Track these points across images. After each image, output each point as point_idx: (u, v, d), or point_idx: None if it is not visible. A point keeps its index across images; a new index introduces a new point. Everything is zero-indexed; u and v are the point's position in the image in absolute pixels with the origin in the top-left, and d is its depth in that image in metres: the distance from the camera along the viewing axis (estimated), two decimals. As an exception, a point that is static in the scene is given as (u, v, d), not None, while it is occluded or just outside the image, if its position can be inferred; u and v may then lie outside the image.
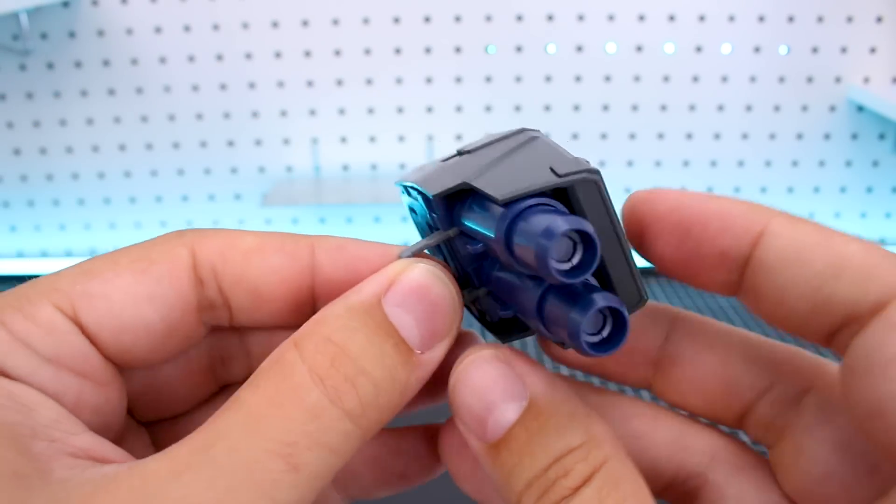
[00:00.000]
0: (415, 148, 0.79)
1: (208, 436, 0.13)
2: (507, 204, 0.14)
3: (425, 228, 0.18)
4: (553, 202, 0.15)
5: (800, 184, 0.80)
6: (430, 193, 0.16)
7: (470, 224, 0.16)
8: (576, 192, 0.15)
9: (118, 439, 0.16)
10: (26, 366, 0.14)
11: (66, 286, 0.15)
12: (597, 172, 0.15)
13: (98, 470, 0.13)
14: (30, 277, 0.16)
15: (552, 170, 0.15)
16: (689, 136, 0.79)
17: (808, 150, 0.79)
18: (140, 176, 0.80)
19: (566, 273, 0.14)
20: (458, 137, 0.78)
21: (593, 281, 0.16)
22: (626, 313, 0.14)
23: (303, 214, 0.82)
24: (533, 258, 0.13)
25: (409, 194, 0.18)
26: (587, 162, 0.15)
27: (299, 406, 0.14)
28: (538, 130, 0.17)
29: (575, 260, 0.14)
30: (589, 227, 0.13)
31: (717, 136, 0.79)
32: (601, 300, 0.14)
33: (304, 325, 0.15)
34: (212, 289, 0.16)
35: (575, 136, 0.79)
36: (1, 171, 0.80)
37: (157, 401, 0.18)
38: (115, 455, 0.14)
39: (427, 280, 0.15)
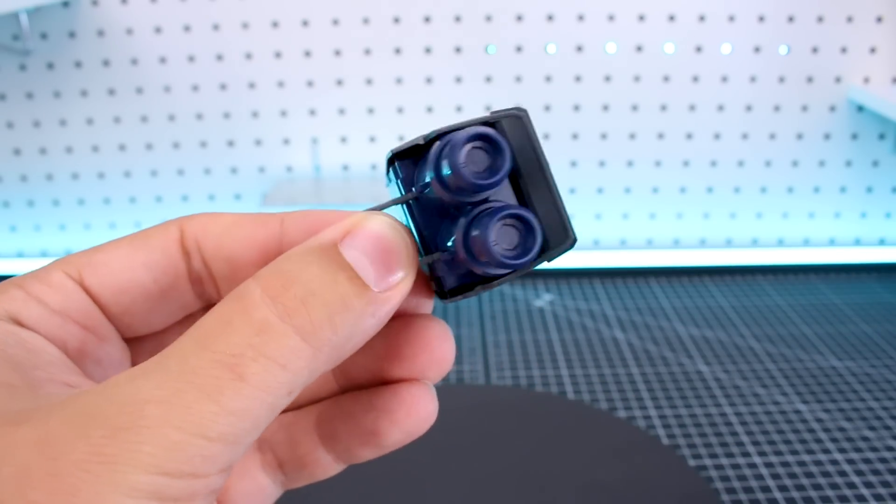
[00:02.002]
0: (415, 148, 0.79)
1: (165, 351, 0.15)
2: (437, 141, 0.16)
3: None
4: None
5: (800, 184, 0.80)
6: (388, 153, 0.17)
7: (420, 178, 0.17)
8: (503, 126, 0.16)
9: None
10: (38, 316, 0.17)
11: (75, 259, 0.18)
12: (524, 111, 0.16)
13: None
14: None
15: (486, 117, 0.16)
16: (689, 136, 0.79)
17: (808, 150, 0.79)
18: (140, 176, 0.80)
19: (478, 175, 0.15)
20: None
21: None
22: (531, 219, 0.16)
23: (303, 214, 0.82)
24: (452, 173, 0.15)
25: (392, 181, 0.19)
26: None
27: (247, 321, 0.15)
28: (525, 112, 0.17)
29: (485, 164, 0.15)
30: (487, 130, 0.15)
31: (717, 136, 0.79)
32: (507, 209, 0.15)
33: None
34: (197, 260, 0.19)
35: (575, 136, 0.79)
36: (1, 171, 0.80)
37: None
38: None
39: (381, 227, 0.16)
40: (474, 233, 0.16)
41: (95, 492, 0.13)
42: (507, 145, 0.15)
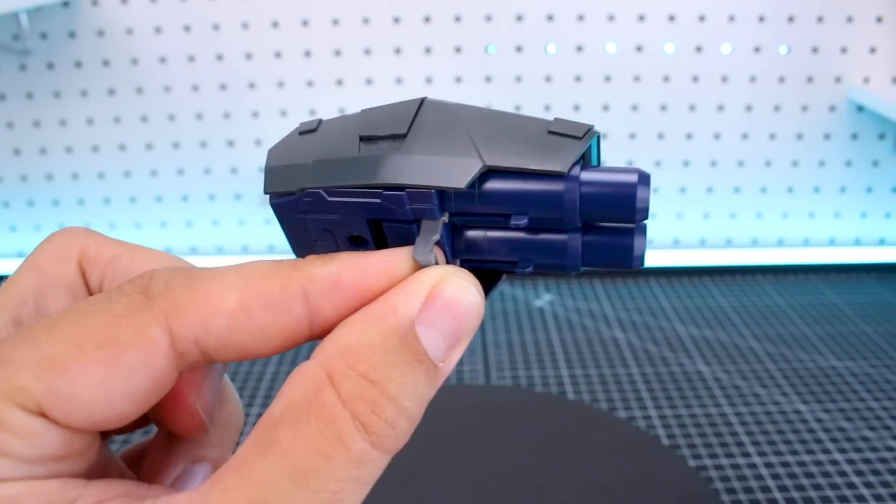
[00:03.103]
0: (415, 148, 0.79)
1: (254, 488, 0.14)
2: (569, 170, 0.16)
3: (342, 229, 0.17)
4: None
5: (800, 184, 0.80)
6: (461, 185, 0.16)
7: (503, 199, 0.16)
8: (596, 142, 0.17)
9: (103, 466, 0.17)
10: (12, 471, 0.14)
11: (30, 384, 0.14)
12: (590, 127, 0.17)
13: None
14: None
15: (550, 131, 0.16)
16: (689, 136, 0.79)
17: (808, 150, 0.79)
18: (140, 176, 0.80)
19: (643, 212, 0.16)
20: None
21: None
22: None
23: (303, 214, 0.82)
24: (618, 205, 0.16)
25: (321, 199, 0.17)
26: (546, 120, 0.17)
27: (346, 456, 0.14)
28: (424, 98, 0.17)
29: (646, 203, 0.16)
30: (645, 171, 0.16)
31: (717, 136, 0.79)
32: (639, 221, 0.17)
33: (332, 346, 0.15)
34: (193, 355, 0.15)
35: (575, 136, 0.79)
36: (1, 171, 0.80)
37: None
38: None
39: (461, 293, 0.15)
40: (604, 240, 0.17)
41: None
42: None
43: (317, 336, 0.16)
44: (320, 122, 0.18)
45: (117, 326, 0.14)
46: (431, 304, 0.15)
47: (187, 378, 0.17)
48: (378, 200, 0.16)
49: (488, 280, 0.18)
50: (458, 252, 0.17)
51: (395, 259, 0.16)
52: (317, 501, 0.14)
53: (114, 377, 0.14)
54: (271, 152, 0.18)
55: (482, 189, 0.16)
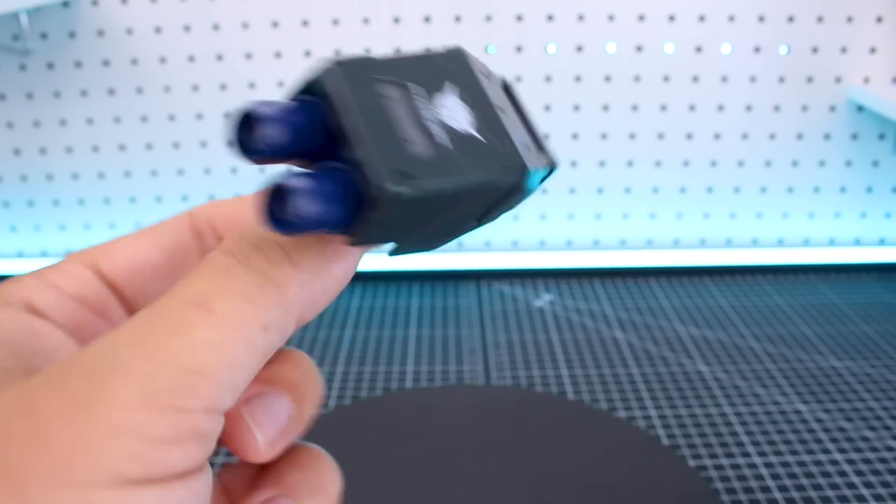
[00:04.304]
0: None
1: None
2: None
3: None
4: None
5: (800, 184, 0.80)
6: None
7: None
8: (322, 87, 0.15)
9: None
10: (52, 302, 0.17)
11: (90, 249, 0.19)
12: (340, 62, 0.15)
13: None
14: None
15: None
16: (689, 136, 0.79)
17: (808, 150, 0.79)
18: (140, 176, 0.80)
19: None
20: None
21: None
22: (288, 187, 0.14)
23: (303, 214, 0.82)
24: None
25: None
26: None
27: (210, 268, 0.15)
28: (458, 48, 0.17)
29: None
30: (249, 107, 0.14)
31: (717, 136, 0.79)
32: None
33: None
34: (210, 238, 0.20)
35: (575, 136, 0.79)
36: (1, 171, 0.80)
37: None
38: None
39: None
40: None
41: (74, 438, 0.12)
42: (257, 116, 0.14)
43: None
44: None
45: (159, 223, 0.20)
46: None
47: (245, 393, 0.18)
48: None
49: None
50: None
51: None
52: (180, 301, 0.15)
53: (147, 236, 0.19)
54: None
55: None
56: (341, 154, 0.15)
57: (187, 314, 0.14)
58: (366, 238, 0.15)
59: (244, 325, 0.15)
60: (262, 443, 0.17)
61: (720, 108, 0.78)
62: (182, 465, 0.13)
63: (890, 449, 0.51)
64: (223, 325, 0.14)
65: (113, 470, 0.12)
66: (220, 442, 0.18)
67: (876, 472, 0.49)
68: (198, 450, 0.14)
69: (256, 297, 0.15)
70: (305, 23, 0.75)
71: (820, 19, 0.75)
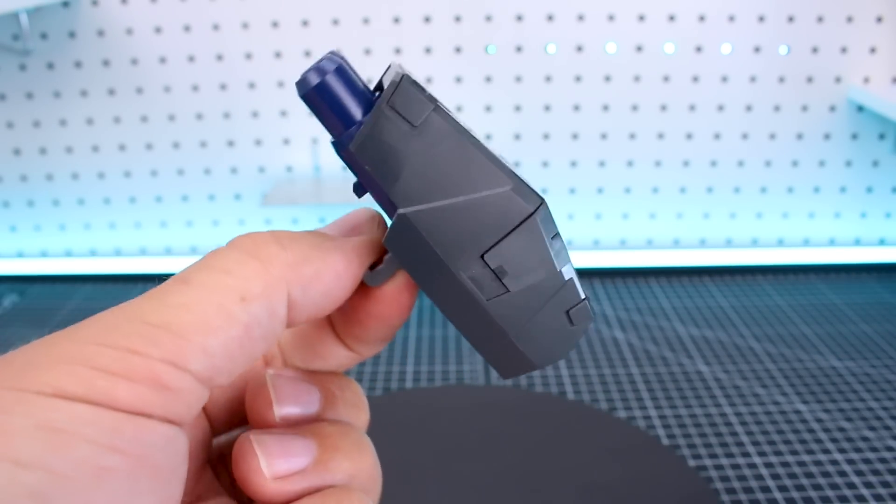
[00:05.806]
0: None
1: None
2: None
3: None
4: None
5: (800, 184, 0.80)
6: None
7: None
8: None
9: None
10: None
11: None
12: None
13: None
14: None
15: None
16: (689, 136, 0.79)
17: (808, 150, 0.79)
18: (140, 176, 0.80)
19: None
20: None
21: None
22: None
23: (303, 214, 0.82)
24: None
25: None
26: None
27: (197, 262, 0.17)
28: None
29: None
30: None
31: (717, 136, 0.79)
32: None
33: None
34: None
35: (575, 137, 0.79)
36: (1, 171, 0.80)
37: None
38: None
39: None
40: None
41: (29, 360, 0.14)
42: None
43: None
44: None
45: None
46: None
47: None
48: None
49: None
50: None
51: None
52: (165, 283, 0.16)
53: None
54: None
55: None
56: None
57: (166, 286, 0.15)
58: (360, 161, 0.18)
59: (217, 292, 0.15)
60: (268, 470, 0.17)
61: (720, 108, 0.78)
62: (127, 399, 0.14)
63: (890, 449, 0.51)
64: (195, 291, 0.15)
65: (53, 384, 0.13)
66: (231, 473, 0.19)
67: (876, 472, 0.49)
68: (152, 395, 0.14)
69: (234, 269, 0.16)
70: (305, 23, 0.75)
71: (820, 19, 0.75)
